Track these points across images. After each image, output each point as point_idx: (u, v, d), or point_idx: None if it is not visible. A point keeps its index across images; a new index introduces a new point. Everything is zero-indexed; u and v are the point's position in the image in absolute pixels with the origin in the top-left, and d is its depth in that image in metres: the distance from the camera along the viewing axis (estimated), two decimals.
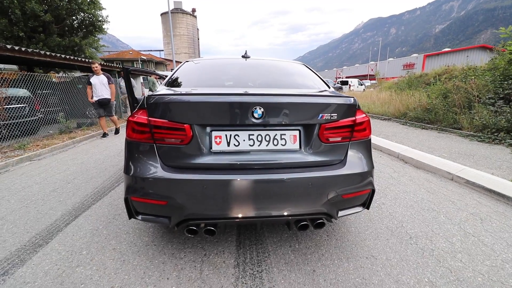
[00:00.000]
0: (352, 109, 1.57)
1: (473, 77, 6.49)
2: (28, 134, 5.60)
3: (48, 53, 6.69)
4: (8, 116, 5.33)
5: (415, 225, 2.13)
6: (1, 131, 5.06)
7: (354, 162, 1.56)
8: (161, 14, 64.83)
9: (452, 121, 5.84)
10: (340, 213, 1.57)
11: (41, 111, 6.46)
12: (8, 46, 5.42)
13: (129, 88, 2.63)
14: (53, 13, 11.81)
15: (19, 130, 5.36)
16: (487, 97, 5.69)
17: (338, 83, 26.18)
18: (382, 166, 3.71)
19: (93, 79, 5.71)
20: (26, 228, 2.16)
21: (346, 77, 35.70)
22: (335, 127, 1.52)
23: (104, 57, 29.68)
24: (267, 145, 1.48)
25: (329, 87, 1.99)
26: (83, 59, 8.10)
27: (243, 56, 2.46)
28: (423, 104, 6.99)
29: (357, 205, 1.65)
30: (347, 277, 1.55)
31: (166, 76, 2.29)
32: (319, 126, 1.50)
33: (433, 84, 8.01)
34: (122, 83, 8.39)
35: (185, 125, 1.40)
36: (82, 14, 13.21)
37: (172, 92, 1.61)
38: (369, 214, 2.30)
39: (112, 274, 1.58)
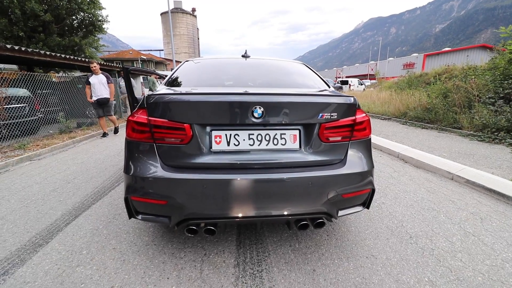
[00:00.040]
0: (352, 108, 1.57)
1: (473, 77, 6.49)
2: (28, 134, 5.60)
3: (48, 53, 6.69)
4: (8, 116, 5.34)
5: (415, 225, 2.13)
6: (1, 131, 5.07)
7: (354, 162, 1.56)
8: (161, 14, 64.81)
9: (452, 120, 5.84)
10: (340, 213, 1.57)
11: (41, 111, 6.46)
12: (8, 46, 5.42)
13: (129, 88, 2.62)
14: (53, 12, 11.81)
15: (19, 130, 5.36)
16: (487, 96, 5.69)
17: (338, 82, 26.17)
18: (382, 165, 3.71)
19: (92, 79, 5.68)
20: (26, 227, 2.16)
21: (346, 77, 35.68)
22: (335, 126, 1.52)
23: (104, 56, 29.68)
24: (267, 145, 1.48)
25: (329, 87, 1.99)
26: (83, 59, 8.10)
27: (243, 56, 2.46)
28: (423, 103, 6.99)
29: (357, 205, 1.65)
30: (347, 277, 1.55)
31: (166, 76, 2.28)
32: (319, 126, 1.50)
33: (433, 84, 8.00)
34: (122, 83, 8.39)
35: (185, 124, 1.40)
36: (82, 13, 13.20)
37: (172, 91, 1.61)
38: (369, 214, 2.30)
39: (112, 274, 1.58)
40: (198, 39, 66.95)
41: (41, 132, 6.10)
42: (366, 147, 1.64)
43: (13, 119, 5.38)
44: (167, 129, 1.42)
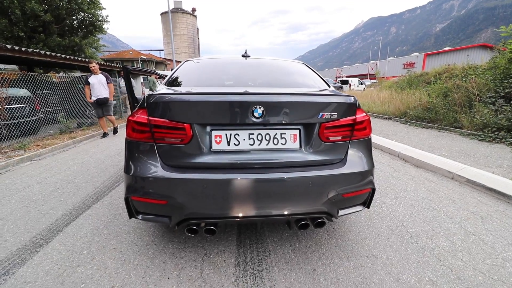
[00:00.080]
0: (352, 108, 1.56)
1: (473, 76, 6.48)
2: (28, 134, 5.60)
3: (48, 53, 6.70)
4: (9, 116, 5.34)
5: (416, 224, 2.13)
6: (2, 131, 5.07)
7: (354, 161, 1.55)
8: (161, 14, 64.82)
9: (452, 120, 5.83)
10: (341, 212, 1.57)
11: (42, 111, 6.47)
12: (8, 46, 5.43)
13: (129, 88, 2.63)
14: (53, 13, 11.83)
15: (19, 130, 5.37)
16: (487, 96, 5.68)
17: (338, 82, 26.15)
18: (383, 165, 3.71)
19: (91, 79, 5.65)
20: (26, 228, 2.16)
21: (347, 76, 35.67)
22: (335, 126, 1.52)
23: (104, 57, 29.70)
24: (267, 144, 1.48)
25: (329, 86, 1.99)
26: (83, 59, 8.11)
27: (243, 56, 2.46)
28: (424, 103, 6.98)
29: (357, 204, 1.64)
30: (348, 276, 1.55)
31: (166, 76, 2.28)
32: (319, 125, 1.50)
33: (434, 83, 7.99)
34: (122, 83, 8.38)
35: (185, 124, 1.40)
36: (82, 14, 13.22)
37: (172, 91, 1.61)
38: (370, 213, 2.30)
39: (113, 274, 1.58)
40: (198, 39, 66.95)
41: (41, 132, 6.11)
42: (367, 146, 1.64)
43: (13, 119, 5.39)
44: (167, 129, 1.42)
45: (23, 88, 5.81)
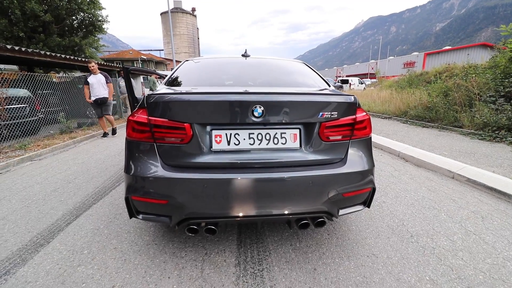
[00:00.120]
0: (352, 107, 1.56)
1: (473, 75, 6.47)
2: (28, 134, 5.61)
3: (48, 53, 6.70)
4: (9, 116, 5.34)
5: (416, 224, 2.13)
6: (2, 131, 5.07)
7: (354, 161, 1.55)
8: (161, 14, 64.76)
9: (453, 119, 5.83)
10: (341, 212, 1.57)
11: (42, 111, 6.47)
12: (8, 46, 5.43)
13: (129, 87, 2.63)
14: (53, 13, 11.83)
15: (19, 130, 5.37)
16: (488, 95, 5.67)
17: (338, 81, 26.14)
18: (383, 164, 3.70)
19: (91, 79, 5.62)
20: (27, 227, 2.16)
21: (347, 76, 35.66)
22: (335, 125, 1.52)
23: (104, 57, 29.71)
24: (267, 144, 1.48)
25: (329, 86, 1.99)
26: (83, 59, 8.11)
27: (243, 55, 2.46)
28: (424, 102, 6.97)
29: (357, 204, 1.64)
30: (348, 276, 1.55)
31: (166, 76, 2.28)
32: (319, 125, 1.50)
33: (434, 83, 7.98)
34: (122, 83, 8.38)
35: (185, 124, 1.40)
36: (82, 14, 13.23)
37: (172, 91, 1.60)
38: (370, 213, 2.30)
39: (113, 273, 1.58)
40: (198, 39, 66.92)
41: (41, 132, 6.11)
42: (367, 146, 1.64)
43: (13, 120, 5.39)
44: (167, 129, 1.42)
45: (23, 88, 5.82)
